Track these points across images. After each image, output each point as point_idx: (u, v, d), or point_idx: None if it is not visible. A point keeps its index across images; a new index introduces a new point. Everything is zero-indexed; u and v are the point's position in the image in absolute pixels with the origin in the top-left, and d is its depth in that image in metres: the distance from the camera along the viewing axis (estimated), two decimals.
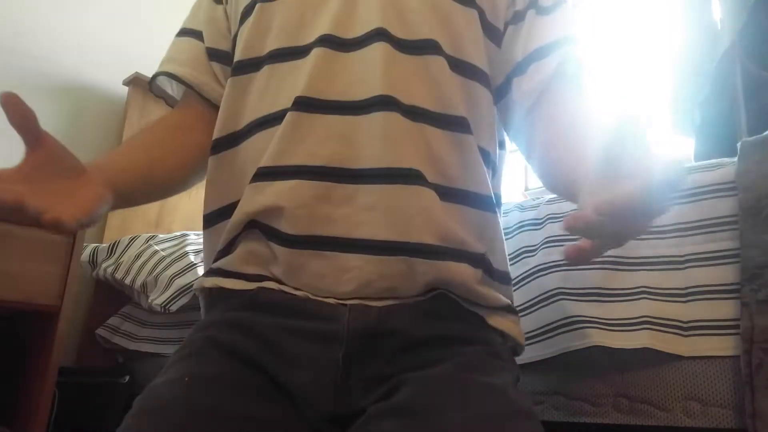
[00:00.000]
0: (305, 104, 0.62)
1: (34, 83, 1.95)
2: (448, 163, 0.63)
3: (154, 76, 0.79)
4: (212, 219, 0.71)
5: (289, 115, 0.62)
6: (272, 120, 0.64)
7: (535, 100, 0.70)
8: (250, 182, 0.63)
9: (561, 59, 0.70)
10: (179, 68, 0.76)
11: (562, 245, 0.94)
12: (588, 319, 0.85)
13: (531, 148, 0.73)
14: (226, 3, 0.77)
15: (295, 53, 0.65)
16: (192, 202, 2.23)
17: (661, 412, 0.80)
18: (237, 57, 0.70)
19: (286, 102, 0.63)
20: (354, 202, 0.60)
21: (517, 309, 0.96)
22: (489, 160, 0.69)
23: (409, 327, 0.60)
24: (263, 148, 0.64)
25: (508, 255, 1.02)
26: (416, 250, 0.60)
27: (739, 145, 0.84)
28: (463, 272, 0.61)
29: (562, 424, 0.90)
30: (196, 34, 0.78)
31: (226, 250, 0.66)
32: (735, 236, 0.79)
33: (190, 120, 0.77)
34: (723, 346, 0.77)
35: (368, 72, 0.62)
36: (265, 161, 0.63)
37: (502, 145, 0.76)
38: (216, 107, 0.74)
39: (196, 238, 1.68)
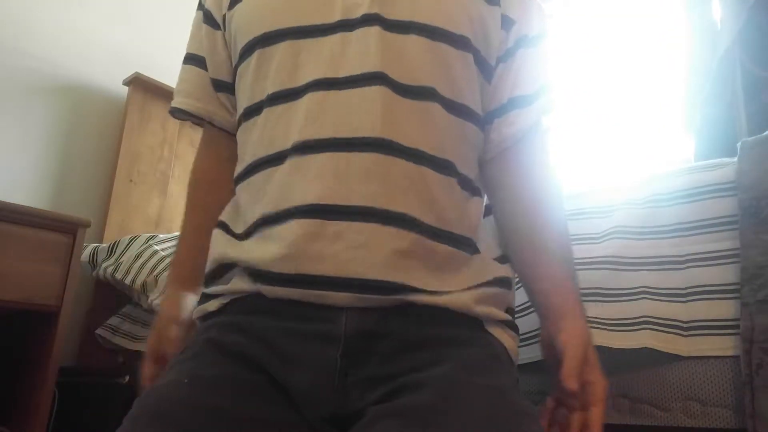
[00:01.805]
0: (301, 148, 0.62)
1: (34, 83, 1.95)
2: (442, 206, 0.64)
3: (171, 110, 0.82)
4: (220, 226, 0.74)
5: (287, 162, 0.63)
6: (270, 161, 0.65)
7: (509, 146, 0.74)
8: (255, 232, 0.64)
9: (541, 109, 0.74)
10: (189, 101, 0.78)
11: None
12: (588, 318, 0.85)
13: (494, 191, 0.76)
14: (224, 29, 0.76)
15: (290, 95, 0.65)
16: None
17: (661, 412, 0.80)
18: (244, 104, 0.71)
19: (283, 144, 0.64)
20: (344, 239, 0.59)
21: (518, 309, 0.97)
22: (474, 188, 0.71)
23: (407, 328, 0.61)
24: (259, 189, 0.65)
25: None
26: (413, 289, 0.60)
27: (739, 145, 0.84)
28: (463, 301, 0.63)
29: None
30: (200, 62, 0.78)
31: (218, 274, 0.69)
32: (735, 236, 0.79)
33: (216, 163, 0.80)
34: (723, 346, 0.77)
35: (365, 112, 0.62)
36: (265, 208, 0.64)
37: None
38: (232, 134, 0.77)
39: None
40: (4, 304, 1.34)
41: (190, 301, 0.75)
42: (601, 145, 2.56)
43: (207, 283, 0.70)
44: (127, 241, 1.75)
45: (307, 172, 0.61)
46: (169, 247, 1.62)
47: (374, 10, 0.65)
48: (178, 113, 0.80)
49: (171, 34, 2.38)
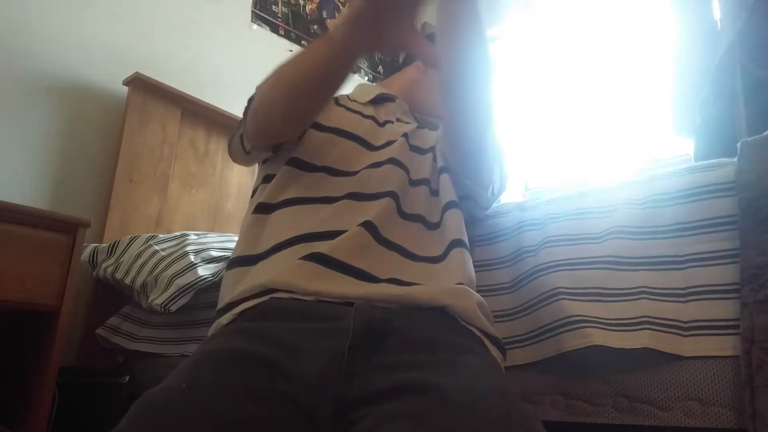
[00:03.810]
0: (354, 196, 0.80)
1: (34, 83, 1.95)
2: (433, 254, 0.80)
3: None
4: (233, 264, 0.80)
5: (340, 203, 0.79)
6: (321, 200, 0.80)
7: None
8: (295, 244, 0.74)
9: None
10: None
11: (562, 245, 0.94)
12: (588, 319, 0.85)
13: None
14: None
15: (348, 173, 0.85)
16: (192, 201, 2.23)
17: (661, 412, 0.80)
18: (303, 156, 0.86)
19: (335, 192, 0.81)
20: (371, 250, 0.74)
21: (517, 310, 0.97)
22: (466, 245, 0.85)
23: (413, 328, 0.65)
24: (309, 216, 0.78)
25: (508, 255, 1.03)
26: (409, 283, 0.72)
27: (739, 145, 0.84)
28: (467, 304, 0.71)
29: (562, 424, 0.90)
30: None
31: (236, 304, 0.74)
32: (735, 236, 0.79)
33: None
34: (723, 346, 0.77)
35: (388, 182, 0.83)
36: (312, 229, 0.75)
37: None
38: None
39: (196, 238, 1.68)
40: (4, 304, 1.34)
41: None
42: (600, 145, 2.56)
43: (223, 309, 0.75)
44: (127, 241, 1.75)
45: (355, 211, 0.78)
46: (169, 247, 1.62)
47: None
48: None
49: (171, 34, 2.38)
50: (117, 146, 2.05)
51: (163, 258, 1.58)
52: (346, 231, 0.74)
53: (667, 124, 1.87)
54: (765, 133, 0.83)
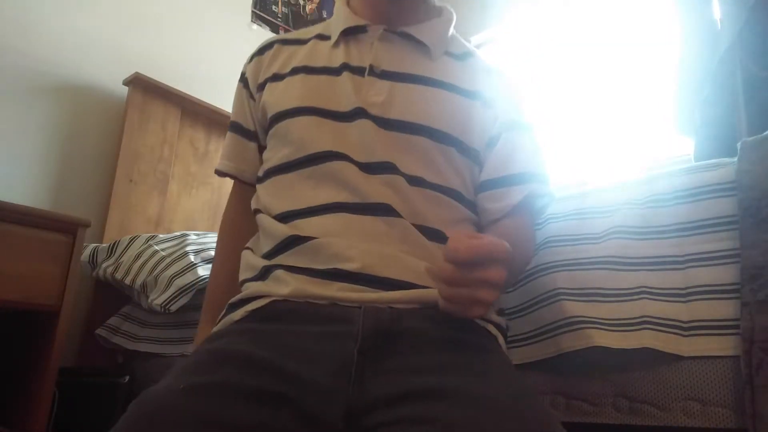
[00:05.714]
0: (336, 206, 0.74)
1: (34, 83, 1.95)
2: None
3: (215, 171, 0.95)
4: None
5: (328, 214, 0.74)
6: (304, 212, 0.75)
7: (498, 218, 0.79)
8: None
9: (528, 192, 0.79)
10: (224, 162, 0.93)
11: (562, 245, 0.94)
12: (588, 319, 0.85)
13: None
14: (256, 93, 0.90)
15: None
16: (192, 201, 2.23)
17: (661, 412, 0.80)
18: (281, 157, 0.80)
19: (311, 200, 0.75)
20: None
21: (517, 309, 0.97)
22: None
23: (424, 327, 0.64)
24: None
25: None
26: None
27: (739, 145, 0.84)
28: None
29: (562, 424, 0.89)
30: (237, 128, 0.91)
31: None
32: (735, 236, 0.79)
33: (243, 213, 0.91)
34: (723, 346, 0.77)
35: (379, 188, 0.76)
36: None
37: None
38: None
39: (196, 238, 1.68)
40: (4, 304, 1.34)
41: None
42: (600, 146, 2.56)
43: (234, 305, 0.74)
44: (127, 241, 1.75)
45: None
46: (169, 247, 1.63)
47: (374, 113, 0.76)
48: (218, 173, 0.93)
49: (171, 34, 2.39)
50: (117, 146, 2.05)
51: (163, 258, 1.58)
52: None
53: (667, 123, 1.87)
54: (765, 133, 0.83)
